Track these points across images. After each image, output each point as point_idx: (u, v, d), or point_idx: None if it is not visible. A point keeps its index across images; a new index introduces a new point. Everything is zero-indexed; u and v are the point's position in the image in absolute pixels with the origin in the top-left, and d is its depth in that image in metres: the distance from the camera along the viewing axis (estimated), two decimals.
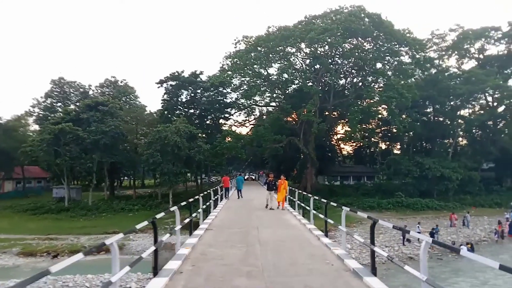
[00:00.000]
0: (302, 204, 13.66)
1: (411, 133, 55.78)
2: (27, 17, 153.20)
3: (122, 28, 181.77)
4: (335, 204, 9.72)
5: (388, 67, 50.13)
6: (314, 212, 11.51)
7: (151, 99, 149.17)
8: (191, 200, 10.07)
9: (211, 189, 16.56)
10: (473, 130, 57.30)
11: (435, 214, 44.28)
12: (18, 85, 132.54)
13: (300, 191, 15.55)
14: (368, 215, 7.05)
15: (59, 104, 68.74)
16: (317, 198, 11.91)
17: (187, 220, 9.25)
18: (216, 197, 18.71)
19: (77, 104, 60.18)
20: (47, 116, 59.22)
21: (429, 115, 57.56)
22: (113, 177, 59.78)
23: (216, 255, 7.43)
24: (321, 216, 10.21)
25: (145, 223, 6.50)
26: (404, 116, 48.98)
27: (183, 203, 9.31)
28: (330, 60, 50.02)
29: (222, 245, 8.35)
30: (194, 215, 10.20)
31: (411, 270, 4.96)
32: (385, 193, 50.31)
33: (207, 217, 13.42)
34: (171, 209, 7.82)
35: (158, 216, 7.22)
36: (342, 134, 63.15)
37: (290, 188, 17.76)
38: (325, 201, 13.60)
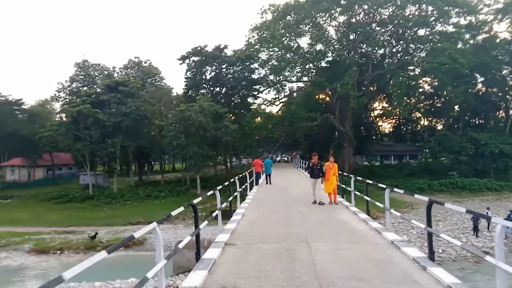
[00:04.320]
0: (367, 198, 9.38)
1: (457, 107, 49.77)
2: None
3: (143, 4, 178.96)
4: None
5: (433, 32, 44.06)
6: (395, 212, 7.27)
7: (179, 82, 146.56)
8: (197, 200, 6.21)
9: (236, 177, 12.70)
10: None
11: (495, 195, 39.16)
12: (44, 69, 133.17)
13: (361, 178, 11.32)
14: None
15: (84, 88, 66.86)
16: (394, 188, 7.71)
17: (184, 242, 5.35)
18: (244, 185, 14.90)
19: (102, 87, 58.11)
20: (73, 101, 57.51)
21: (478, 86, 51.00)
22: (141, 162, 57.64)
23: None
24: (420, 225, 6.13)
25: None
26: (449, 88, 43.04)
27: (178, 210, 5.47)
28: (368, 28, 44.68)
29: None
30: (203, 225, 6.35)
31: None
32: (433, 173, 45.57)
33: (231, 217, 9.64)
34: (135, 235, 3.95)
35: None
36: (380, 110, 58.12)
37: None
38: (370, 182, 9.59)
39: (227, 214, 10.13)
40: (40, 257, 22.59)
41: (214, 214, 7.60)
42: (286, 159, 70.62)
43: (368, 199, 9.27)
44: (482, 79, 50.06)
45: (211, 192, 7.88)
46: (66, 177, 63.36)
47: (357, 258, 5.81)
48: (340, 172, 13.16)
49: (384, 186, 7.95)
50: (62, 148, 45.13)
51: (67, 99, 63.34)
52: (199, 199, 6.62)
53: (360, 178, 11.28)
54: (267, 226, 8.58)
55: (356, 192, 11.06)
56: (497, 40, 46.65)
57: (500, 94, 50.20)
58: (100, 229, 28.80)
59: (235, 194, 11.40)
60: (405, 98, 44.94)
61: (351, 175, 12.32)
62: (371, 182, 9.51)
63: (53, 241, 25.08)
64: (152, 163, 71.71)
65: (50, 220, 31.73)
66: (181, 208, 5.49)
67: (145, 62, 69.55)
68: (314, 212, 10.41)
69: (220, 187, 8.61)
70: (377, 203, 8.63)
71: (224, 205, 8.83)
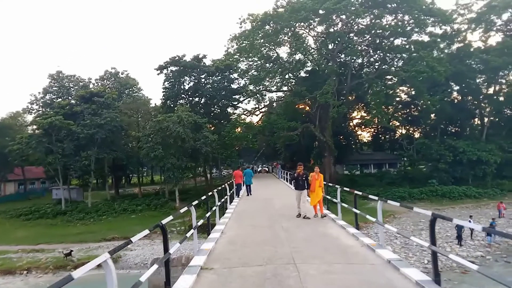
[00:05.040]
0: (357, 210, 8.68)
1: (434, 115, 50.63)
2: (23, 10, 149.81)
3: (119, 14, 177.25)
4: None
5: (409, 42, 44.78)
6: (391, 228, 6.62)
7: (157, 92, 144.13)
8: (166, 220, 5.33)
9: (215, 190, 11.89)
10: (504, 109, 51.86)
11: (474, 203, 39.55)
12: (16, 81, 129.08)
13: (348, 189, 10.65)
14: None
15: (59, 99, 64.82)
16: (388, 201, 7.06)
17: (148, 273, 4.48)
18: (224, 198, 14.08)
19: (76, 98, 56.35)
20: (46, 113, 55.44)
21: (454, 95, 52.05)
22: (118, 175, 55.82)
23: None
24: (424, 243, 5.51)
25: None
26: (426, 96, 43.65)
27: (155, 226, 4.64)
28: (346, 38, 44.99)
29: None
30: (173, 249, 5.50)
31: None
32: (413, 182, 45.84)
33: (209, 234, 8.79)
34: (74, 275, 3.08)
35: None
36: (358, 119, 58.54)
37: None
38: (359, 193, 8.99)
39: (205, 228, 9.33)
40: (5, 279, 21.00)
41: (188, 234, 6.73)
42: (267, 169, 69.90)
43: (358, 211, 8.60)
44: (457, 87, 51.07)
45: (185, 208, 7.02)
46: (39, 192, 61.00)
47: (353, 283, 5.06)
48: (325, 182, 12.51)
49: (375, 197, 7.31)
50: (33, 161, 43.14)
51: (40, 111, 61.25)
52: (170, 218, 5.76)
53: (348, 189, 10.63)
54: (249, 245, 7.75)
55: (344, 204, 10.39)
56: (471, 49, 47.78)
57: (475, 102, 51.25)
58: (72, 247, 27.24)
59: (214, 208, 10.55)
60: (383, 107, 45.22)
61: (336, 186, 11.65)
62: (360, 193, 8.86)
63: (20, 261, 23.49)
64: (130, 175, 69.80)
65: (18, 237, 29.97)
66: (146, 232, 4.64)
67: (122, 73, 68.24)
68: (300, 227, 9.64)
69: (196, 202, 7.77)
70: (368, 217, 7.98)
71: (201, 222, 7.98)
